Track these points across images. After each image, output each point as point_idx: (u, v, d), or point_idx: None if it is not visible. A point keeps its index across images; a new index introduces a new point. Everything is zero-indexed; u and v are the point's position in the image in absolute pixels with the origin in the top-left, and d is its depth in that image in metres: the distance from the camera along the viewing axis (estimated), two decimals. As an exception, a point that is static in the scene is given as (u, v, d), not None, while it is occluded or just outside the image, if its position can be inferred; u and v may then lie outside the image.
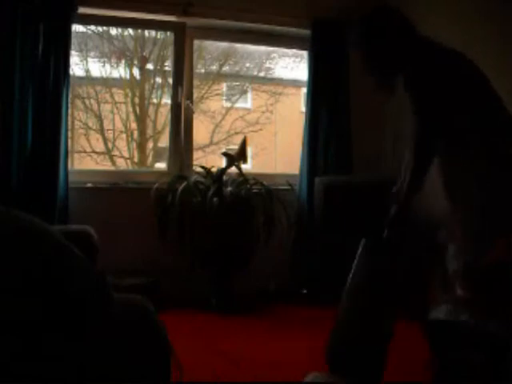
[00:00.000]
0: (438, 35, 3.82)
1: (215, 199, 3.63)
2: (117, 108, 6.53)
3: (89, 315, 0.99)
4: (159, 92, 6.75)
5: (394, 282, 2.15)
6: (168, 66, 5.77)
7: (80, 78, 6.13)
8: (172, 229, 3.73)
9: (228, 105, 7.74)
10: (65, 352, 0.94)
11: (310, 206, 4.16)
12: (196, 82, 4.67)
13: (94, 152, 6.54)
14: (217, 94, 7.27)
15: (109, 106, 6.51)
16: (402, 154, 4.20)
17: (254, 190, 3.92)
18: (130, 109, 6.63)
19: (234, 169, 4.02)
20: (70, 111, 3.98)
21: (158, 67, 6.59)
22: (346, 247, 3.89)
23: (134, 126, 6.74)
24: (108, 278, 1.10)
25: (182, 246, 3.74)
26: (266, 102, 7.31)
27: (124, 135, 6.68)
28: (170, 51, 4.55)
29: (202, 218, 3.65)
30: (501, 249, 2.26)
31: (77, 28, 4.09)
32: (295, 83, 7.29)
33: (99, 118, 6.57)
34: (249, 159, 4.14)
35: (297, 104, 7.83)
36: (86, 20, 4.06)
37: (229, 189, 3.78)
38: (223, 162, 4.11)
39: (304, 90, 4.51)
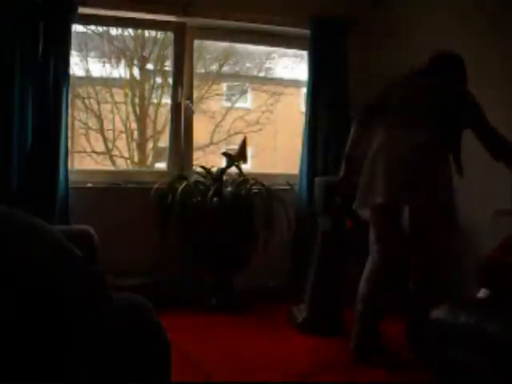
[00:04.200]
0: (439, 32, 3.83)
1: (215, 199, 3.63)
2: (117, 108, 6.53)
3: (88, 315, 0.99)
4: (159, 92, 6.75)
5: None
6: (168, 65, 5.76)
7: (80, 78, 6.13)
8: (172, 229, 3.72)
9: (228, 105, 7.74)
10: (64, 352, 0.94)
11: (309, 207, 4.16)
12: (196, 82, 4.67)
13: (94, 152, 6.53)
14: (217, 94, 7.27)
15: (109, 106, 6.51)
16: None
17: (254, 190, 3.92)
18: (130, 109, 6.63)
19: (234, 169, 4.02)
20: (70, 111, 3.97)
21: (158, 67, 6.59)
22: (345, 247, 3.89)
23: (133, 126, 6.73)
24: (107, 278, 1.10)
25: (182, 246, 3.74)
26: (265, 101, 7.30)
27: (124, 135, 6.68)
28: (170, 51, 4.54)
29: (202, 218, 3.65)
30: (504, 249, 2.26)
31: (77, 28, 4.08)
32: (295, 83, 7.27)
33: (99, 118, 6.56)
34: (249, 159, 4.14)
35: (297, 104, 7.82)
36: (86, 20, 4.06)
37: (229, 189, 3.78)
38: (223, 162, 4.11)
39: (304, 89, 4.50)
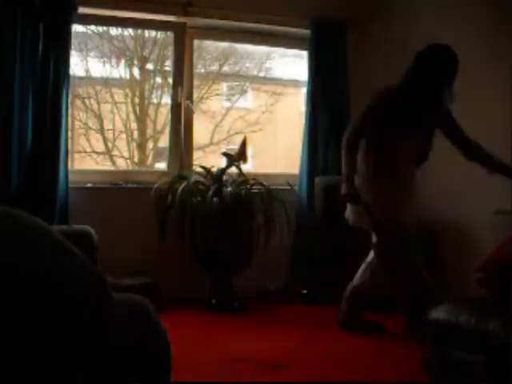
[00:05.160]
0: (439, 32, 3.83)
1: (215, 199, 3.63)
2: (117, 108, 6.53)
3: (88, 315, 0.99)
4: (159, 92, 6.75)
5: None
6: (168, 65, 5.76)
7: (80, 78, 6.13)
8: (172, 229, 3.72)
9: (228, 105, 7.74)
10: (64, 352, 0.94)
11: (309, 206, 4.16)
12: (196, 82, 4.67)
13: (94, 152, 6.53)
14: (217, 94, 7.27)
15: (109, 106, 6.51)
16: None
17: (254, 190, 3.92)
18: (130, 109, 6.62)
19: (234, 169, 4.02)
20: (70, 111, 3.97)
21: (158, 67, 6.59)
22: (345, 247, 3.90)
23: (134, 126, 6.73)
24: (107, 278, 1.10)
25: (181, 247, 3.74)
26: (266, 101, 7.30)
27: (124, 135, 6.67)
28: (170, 51, 4.54)
29: (202, 218, 3.65)
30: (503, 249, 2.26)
31: (77, 28, 4.08)
32: (295, 83, 7.27)
33: (99, 118, 6.56)
34: (249, 159, 4.14)
35: (297, 104, 7.81)
36: (86, 20, 4.06)
37: (229, 189, 3.78)
38: (223, 162, 4.11)
39: (304, 89, 4.50)
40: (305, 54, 4.45)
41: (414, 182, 3.12)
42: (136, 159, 6.73)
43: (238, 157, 3.99)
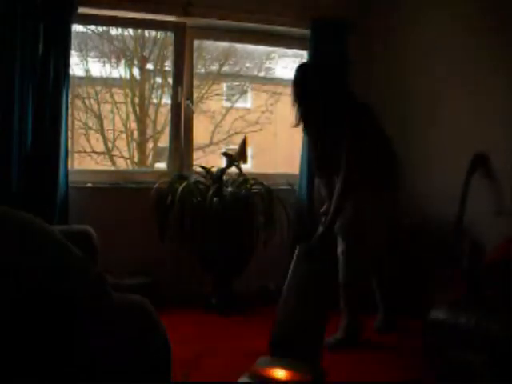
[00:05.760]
0: (439, 32, 3.84)
1: (215, 199, 3.63)
2: (117, 108, 6.53)
3: (88, 315, 0.99)
4: (159, 92, 6.76)
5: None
6: (168, 65, 5.77)
7: (80, 78, 6.14)
8: (172, 229, 3.73)
9: (228, 105, 7.74)
10: (64, 351, 0.94)
11: (309, 206, 4.16)
12: (196, 82, 4.67)
13: (94, 152, 6.54)
14: (217, 94, 7.27)
15: (109, 106, 6.51)
16: (400, 154, 4.17)
17: (254, 190, 3.92)
18: (130, 109, 6.63)
19: (234, 169, 4.02)
20: (70, 111, 3.97)
21: (158, 67, 6.60)
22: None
23: (134, 125, 6.74)
24: (107, 278, 1.10)
25: (181, 246, 3.74)
26: (266, 101, 7.31)
27: (124, 135, 6.68)
28: (170, 51, 4.55)
29: (202, 218, 3.65)
30: (503, 250, 2.26)
31: (77, 28, 4.08)
32: (295, 83, 7.28)
33: (99, 118, 6.57)
34: (249, 159, 4.14)
35: (297, 104, 7.81)
36: (86, 20, 4.06)
37: (229, 189, 3.78)
38: (223, 162, 4.11)
39: (304, 90, 4.49)
40: (305, 54, 4.45)
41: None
42: (136, 159, 6.74)
43: (237, 157, 3.99)
